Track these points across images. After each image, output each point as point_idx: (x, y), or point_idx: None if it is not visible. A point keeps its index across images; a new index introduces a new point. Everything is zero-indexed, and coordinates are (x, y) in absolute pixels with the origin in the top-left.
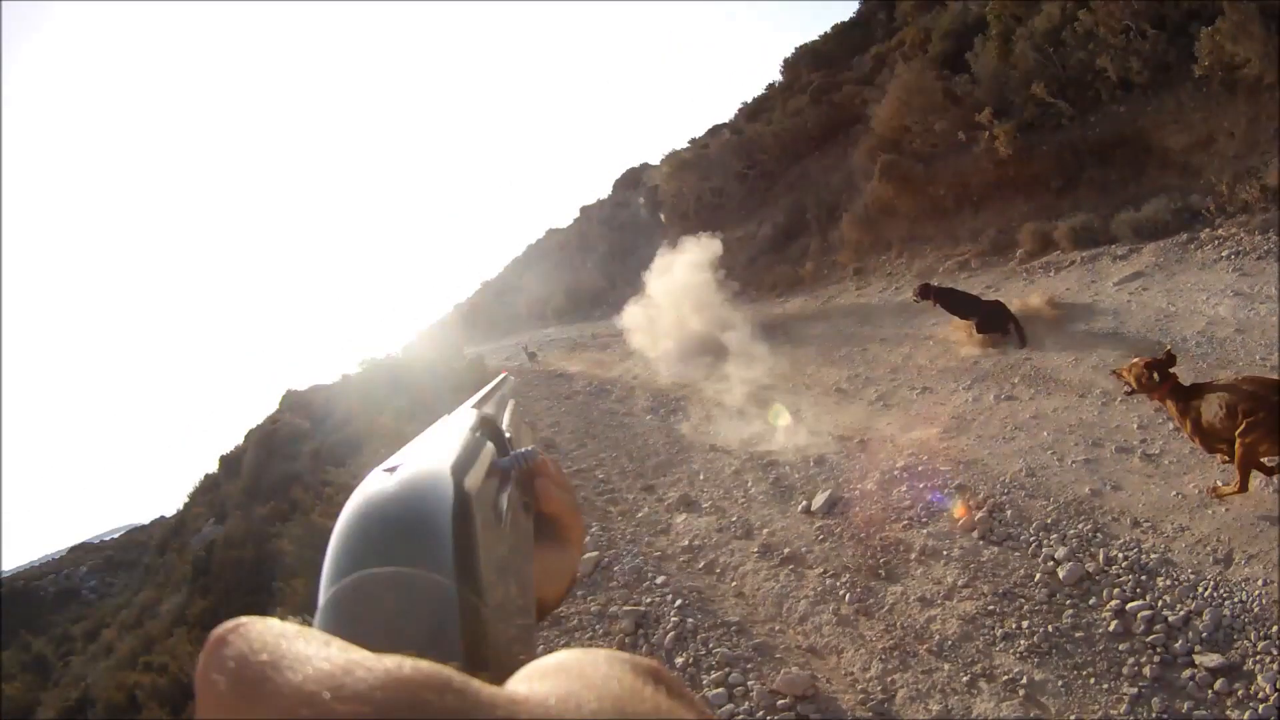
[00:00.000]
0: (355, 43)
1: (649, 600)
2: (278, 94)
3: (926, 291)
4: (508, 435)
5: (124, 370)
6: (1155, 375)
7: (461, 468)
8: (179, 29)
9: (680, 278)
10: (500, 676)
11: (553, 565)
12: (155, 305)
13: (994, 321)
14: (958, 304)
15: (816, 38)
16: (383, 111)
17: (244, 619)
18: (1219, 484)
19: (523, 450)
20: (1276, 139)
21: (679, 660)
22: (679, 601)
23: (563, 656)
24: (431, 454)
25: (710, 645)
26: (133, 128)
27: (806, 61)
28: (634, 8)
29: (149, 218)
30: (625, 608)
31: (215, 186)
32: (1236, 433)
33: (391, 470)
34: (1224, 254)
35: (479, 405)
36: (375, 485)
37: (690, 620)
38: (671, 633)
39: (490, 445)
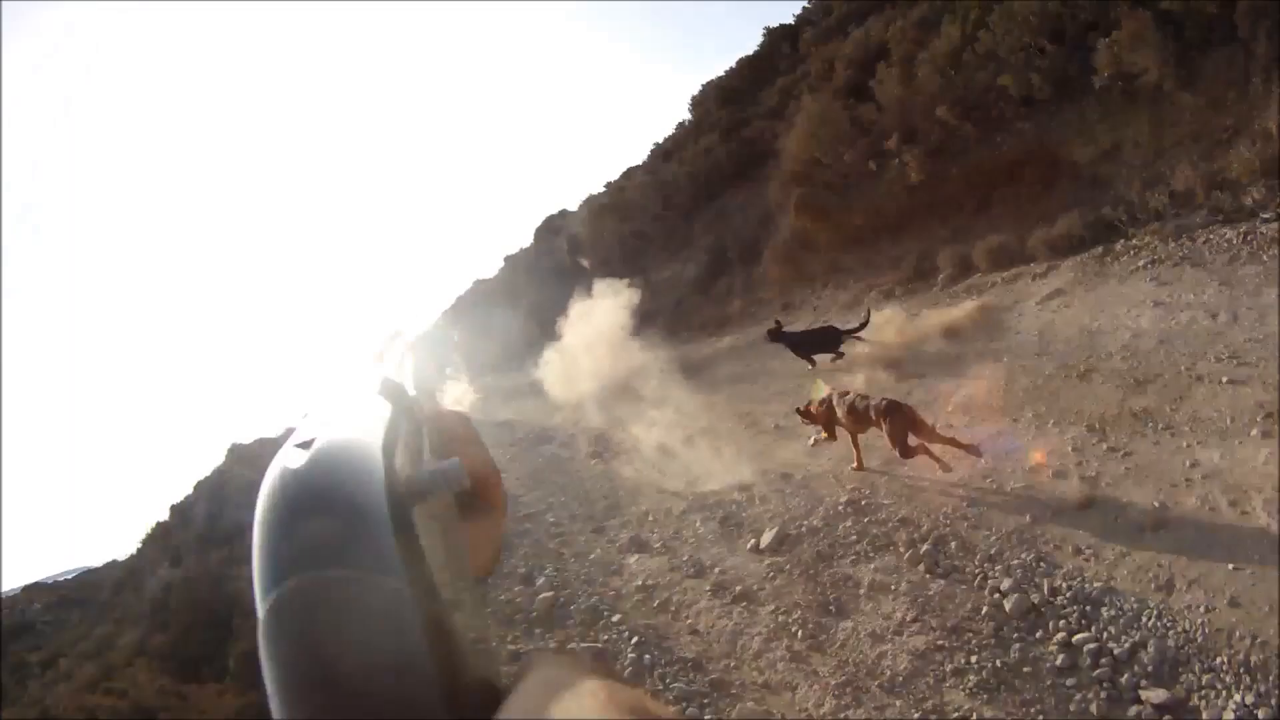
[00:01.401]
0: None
1: (606, 637)
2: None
3: (777, 336)
4: (410, 392)
5: (67, 421)
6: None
7: (390, 445)
8: (200, 30)
9: (595, 324)
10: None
11: (478, 533)
12: (106, 346)
13: (821, 345)
14: (799, 343)
15: (722, 74)
16: (314, 161)
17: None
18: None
19: (445, 464)
20: (1180, 144)
21: None
22: (635, 639)
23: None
24: (348, 426)
25: (667, 681)
26: (131, 131)
27: (714, 98)
28: (537, 53)
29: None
30: (583, 645)
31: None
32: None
33: (307, 446)
34: (1140, 264)
35: (377, 365)
36: (295, 467)
37: (647, 657)
38: (629, 669)
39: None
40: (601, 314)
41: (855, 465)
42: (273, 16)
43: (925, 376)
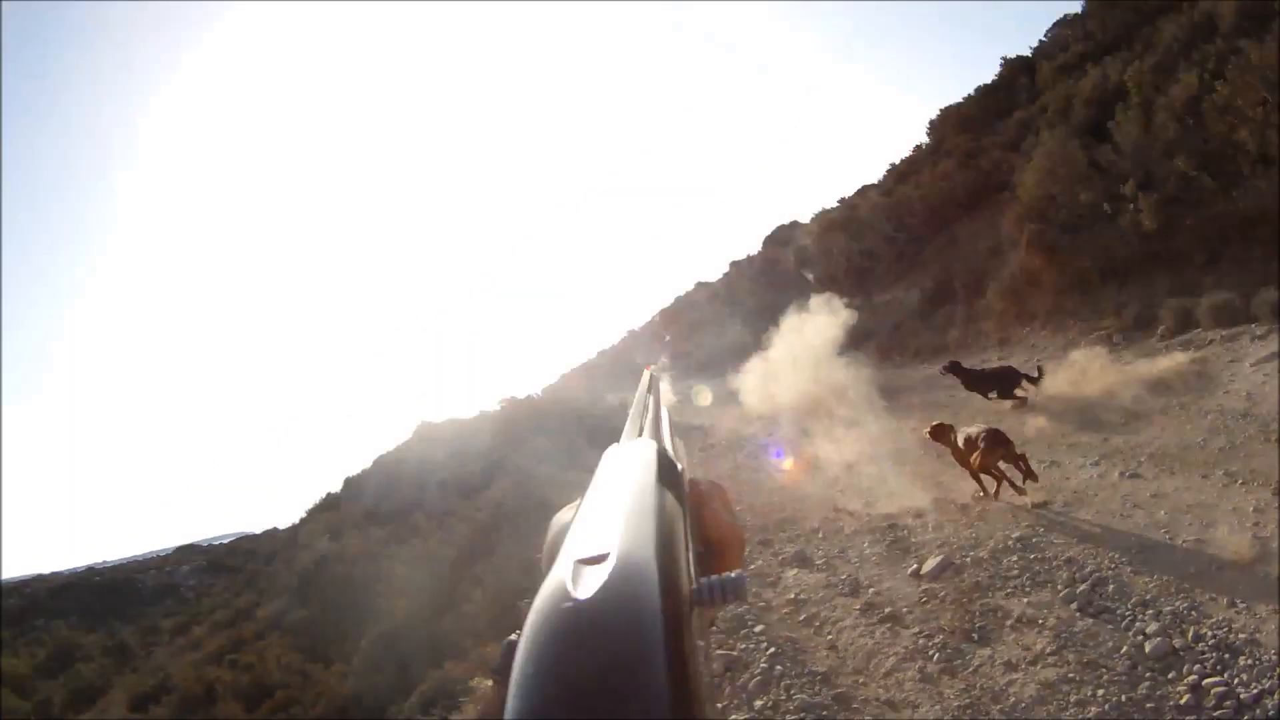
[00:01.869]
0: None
1: (743, 646)
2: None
3: (953, 368)
4: (679, 467)
5: (256, 385)
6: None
7: (675, 555)
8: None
9: (804, 338)
10: None
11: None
12: (303, 318)
13: (1006, 386)
14: (974, 380)
15: (960, 100)
16: (546, 149)
17: None
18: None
19: (729, 576)
20: None
21: (758, 704)
22: (771, 649)
23: None
24: (634, 533)
25: (792, 692)
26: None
27: (952, 124)
28: (782, 66)
29: (321, 222)
30: (719, 651)
31: (390, 206)
32: (971, 457)
33: (597, 562)
34: None
35: (644, 423)
36: (582, 601)
37: (779, 668)
38: (758, 678)
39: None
40: (813, 330)
41: (980, 493)
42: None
43: (1116, 426)
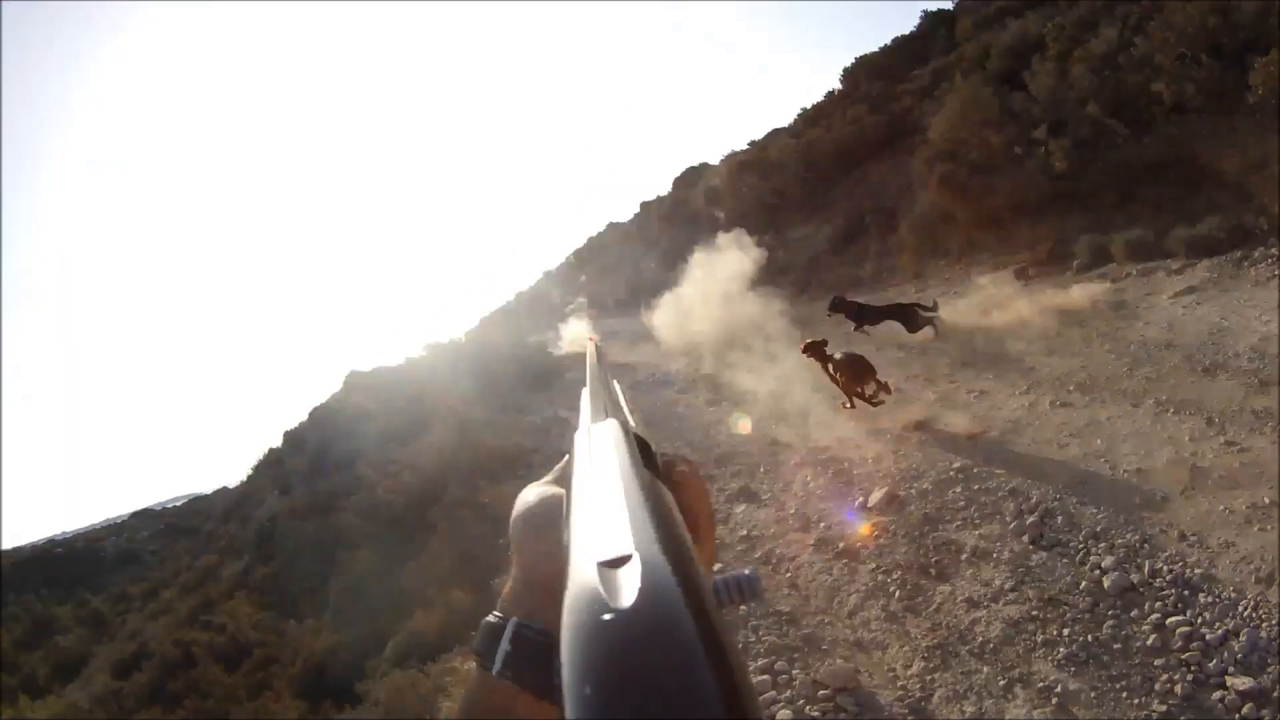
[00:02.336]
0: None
1: None
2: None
3: (839, 305)
4: (652, 447)
5: (187, 342)
6: (810, 349)
7: (699, 578)
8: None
9: (714, 274)
10: None
11: None
12: (221, 276)
13: (909, 319)
14: (864, 316)
15: (876, 49)
16: (454, 95)
17: None
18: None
19: (743, 574)
20: None
21: None
22: None
23: None
24: (654, 542)
25: (760, 633)
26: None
27: (866, 72)
28: (701, 8)
29: (235, 195)
30: None
31: (300, 167)
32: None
33: (621, 563)
34: (1277, 273)
35: (605, 402)
36: (622, 613)
37: (743, 608)
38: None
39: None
40: (723, 266)
41: (845, 404)
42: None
43: (1039, 356)
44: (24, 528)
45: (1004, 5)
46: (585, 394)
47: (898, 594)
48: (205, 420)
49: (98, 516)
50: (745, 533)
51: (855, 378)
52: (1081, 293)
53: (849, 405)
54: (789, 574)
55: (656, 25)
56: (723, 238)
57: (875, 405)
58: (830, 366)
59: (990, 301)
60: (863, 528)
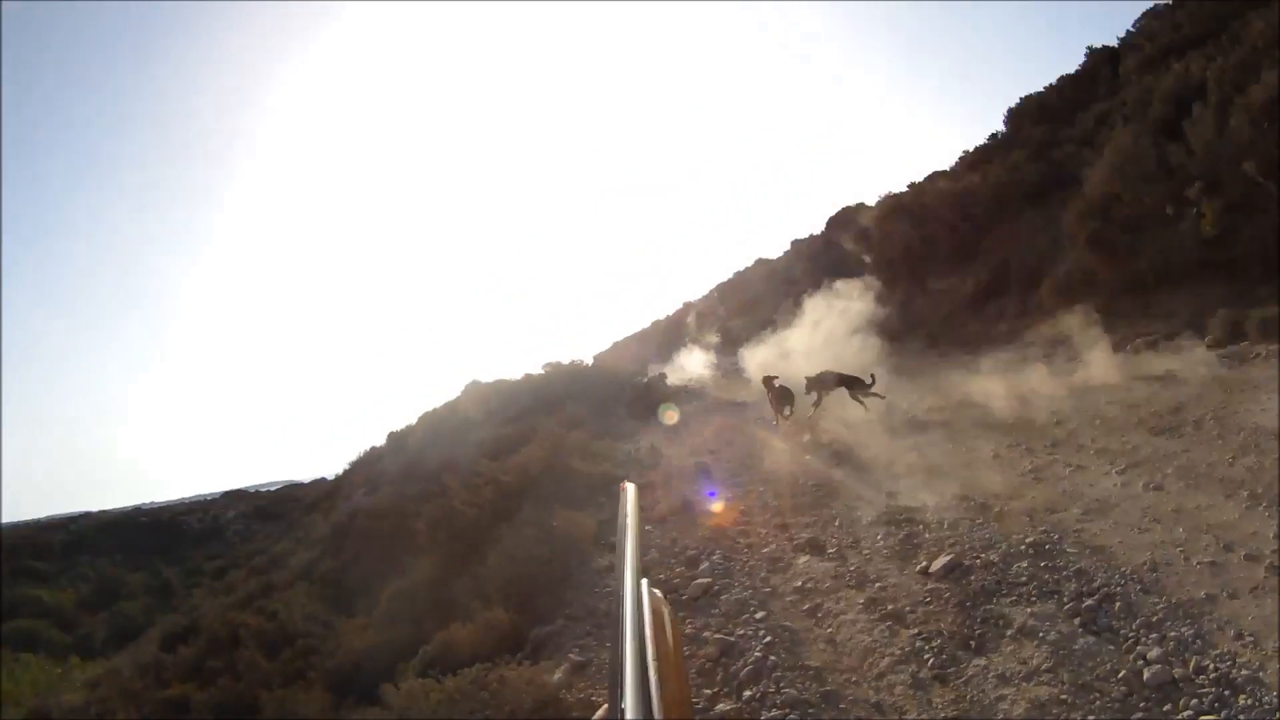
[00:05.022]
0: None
1: (741, 632)
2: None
3: (769, 382)
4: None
5: (316, 332)
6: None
7: None
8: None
9: (821, 322)
10: None
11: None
12: (371, 272)
13: (854, 387)
14: (783, 397)
15: (1041, 89)
16: (609, 118)
17: None
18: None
19: None
20: None
21: (747, 693)
22: (768, 639)
23: None
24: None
25: (781, 685)
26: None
27: (1031, 114)
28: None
29: (364, 200)
30: (716, 635)
31: (442, 179)
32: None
33: None
34: None
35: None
36: None
37: (772, 658)
38: (750, 666)
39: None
40: (837, 312)
41: (779, 420)
42: None
43: (1147, 434)
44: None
45: (1168, 43)
46: (626, 544)
47: (931, 661)
48: (330, 411)
49: (194, 490)
50: (800, 584)
51: (778, 403)
52: (1209, 372)
53: (781, 421)
54: (830, 629)
55: (832, 57)
56: (842, 284)
57: (786, 420)
58: (770, 394)
59: (1117, 372)
60: (916, 591)
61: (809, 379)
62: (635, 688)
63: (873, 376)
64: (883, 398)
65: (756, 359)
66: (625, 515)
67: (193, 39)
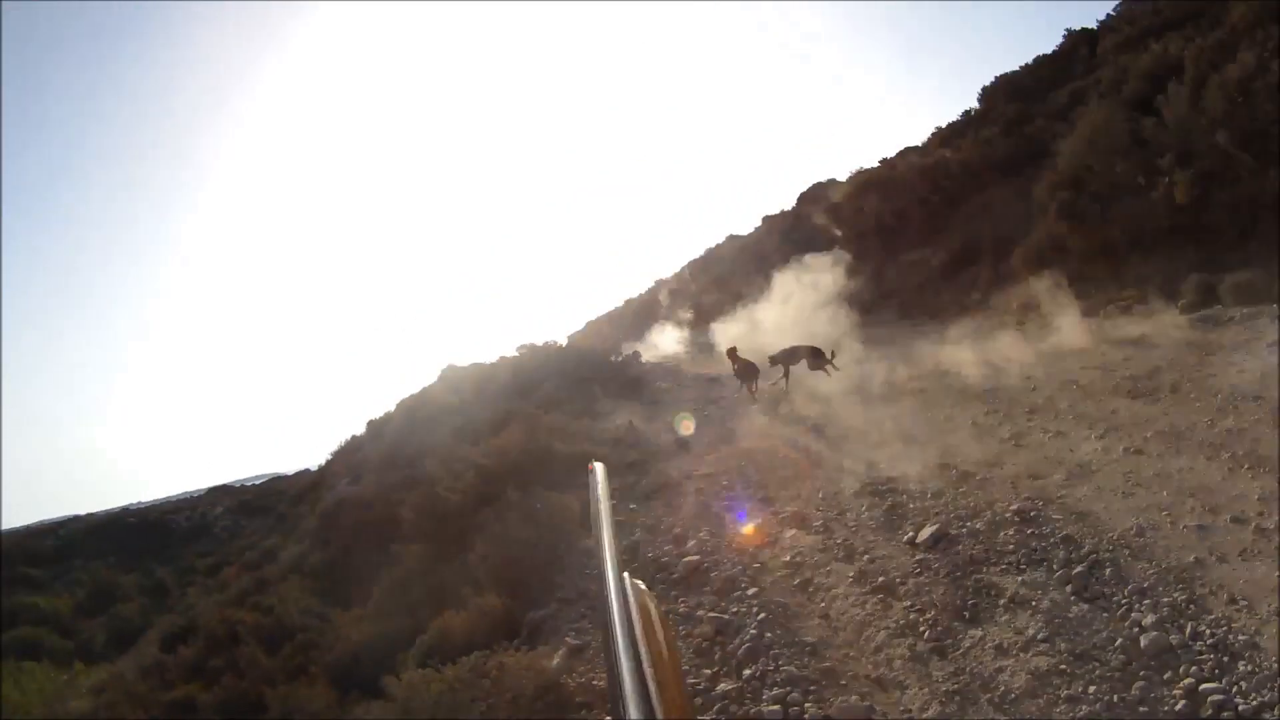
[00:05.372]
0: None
1: (735, 609)
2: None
3: (733, 355)
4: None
5: (293, 325)
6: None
7: None
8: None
9: (791, 294)
10: None
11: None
12: (342, 258)
13: (814, 359)
14: (748, 370)
15: (1017, 68)
16: (573, 101)
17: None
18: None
19: None
20: None
21: (746, 672)
22: (762, 615)
23: None
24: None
25: (780, 662)
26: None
27: (1005, 91)
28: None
29: (343, 190)
30: (710, 614)
31: (455, 157)
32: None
33: None
34: None
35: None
36: None
37: (769, 635)
38: (747, 644)
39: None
40: (808, 285)
41: (745, 389)
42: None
43: (1125, 398)
44: (103, 494)
45: (1148, 25)
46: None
47: (927, 634)
48: (311, 402)
49: (178, 489)
50: (789, 558)
51: (744, 375)
52: (1183, 335)
53: (750, 392)
54: (823, 604)
55: (800, 29)
56: (812, 257)
57: (752, 393)
58: (736, 366)
59: (1090, 336)
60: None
61: (772, 356)
62: (636, 700)
63: (833, 351)
64: (838, 369)
65: (728, 334)
66: (597, 501)
67: (169, 37)
